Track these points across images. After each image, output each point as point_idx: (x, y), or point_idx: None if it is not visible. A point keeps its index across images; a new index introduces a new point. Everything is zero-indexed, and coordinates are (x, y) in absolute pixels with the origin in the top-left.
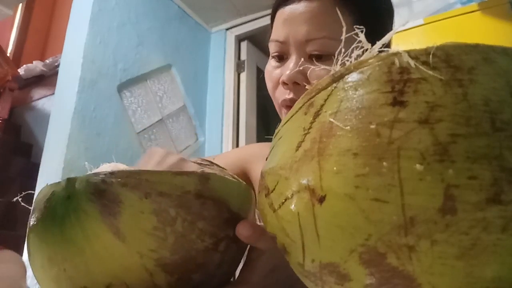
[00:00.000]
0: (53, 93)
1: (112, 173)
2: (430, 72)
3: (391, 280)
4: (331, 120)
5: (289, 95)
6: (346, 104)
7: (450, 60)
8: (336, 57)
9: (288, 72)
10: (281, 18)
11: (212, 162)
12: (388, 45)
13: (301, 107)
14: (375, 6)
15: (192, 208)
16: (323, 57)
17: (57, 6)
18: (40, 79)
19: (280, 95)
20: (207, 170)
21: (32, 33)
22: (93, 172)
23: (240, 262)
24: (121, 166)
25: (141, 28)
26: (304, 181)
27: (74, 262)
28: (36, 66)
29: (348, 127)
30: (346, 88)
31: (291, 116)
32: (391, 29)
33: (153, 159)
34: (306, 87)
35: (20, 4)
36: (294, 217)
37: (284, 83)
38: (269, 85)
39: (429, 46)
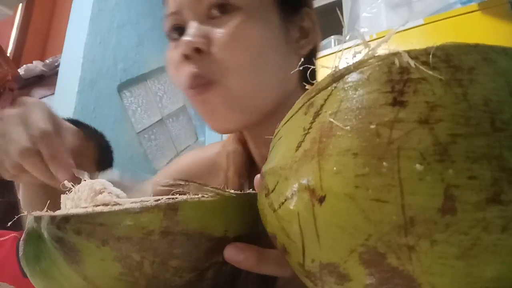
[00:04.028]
0: (53, 93)
1: (66, 219)
2: (430, 72)
3: (391, 280)
4: (331, 120)
5: (193, 69)
6: (346, 104)
7: (450, 60)
8: (336, 56)
9: (186, 39)
10: None
11: (188, 181)
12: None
13: (301, 107)
14: None
15: (159, 249)
16: (225, 8)
17: (57, 6)
18: (40, 79)
19: (184, 77)
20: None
21: (32, 33)
22: (70, 193)
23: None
24: (103, 184)
25: (141, 28)
26: (304, 181)
27: None
28: (36, 66)
29: (348, 127)
30: (346, 88)
31: (291, 116)
32: None
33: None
34: (307, 87)
35: (20, 4)
36: (294, 217)
37: (185, 57)
38: (171, 72)
39: (429, 46)
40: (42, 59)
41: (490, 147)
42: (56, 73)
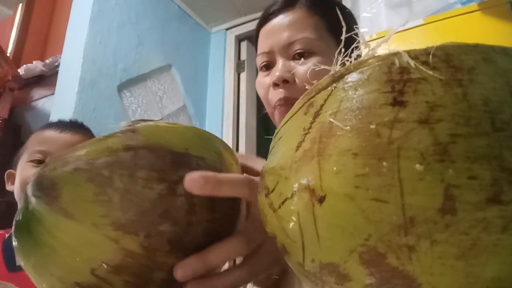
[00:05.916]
0: (53, 93)
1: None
2: (430, 72)
3: (391, 280)
4: (331, 120)
5: (282, 94)
6: (346, 104)
7: (450, 60)
8: (336, 57)
9: (277, 73)
10: (264, 33)
11: (145, 120)
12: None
13: (301, 107)
14: (340, 13)
15: (125, 162)
16: (305, 55)
17: (57, 6)
18: (40, 79)
19: (272, 97)
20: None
21: (32, 33)
22: None
23: (236, 212)
24: None
25: (141, 28)
26: (304, 181)
27: (54, 263)
28: (36, 66)
29: (348, 127)
30: (346, 88)
31: (291, 116)
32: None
33: None
34: (307, 87)
35: (20, 4)
36: (294, 217)
37: (275, 84)
38: (261, 93)
39: (429, 46)
40: (42, 59)
41: (490, 147)
42: (56, 73)
